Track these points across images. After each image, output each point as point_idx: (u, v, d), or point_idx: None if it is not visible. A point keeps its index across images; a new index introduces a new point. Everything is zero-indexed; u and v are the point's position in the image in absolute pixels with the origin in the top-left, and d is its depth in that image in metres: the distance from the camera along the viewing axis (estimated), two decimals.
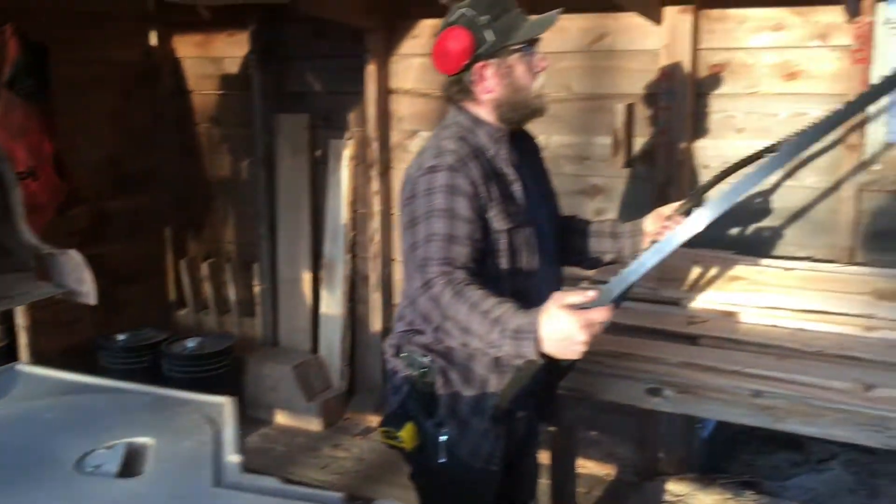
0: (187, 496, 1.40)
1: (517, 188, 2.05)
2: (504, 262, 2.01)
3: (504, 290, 1.81)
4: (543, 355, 1.67)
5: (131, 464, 1.53)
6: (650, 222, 2.35)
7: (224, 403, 1.75)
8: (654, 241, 2.00)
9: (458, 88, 2.05)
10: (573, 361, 2.35)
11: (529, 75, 2.02)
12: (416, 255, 1.89)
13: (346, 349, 4.33)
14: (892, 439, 2.35)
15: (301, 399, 4.21)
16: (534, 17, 2.02)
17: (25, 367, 2.01)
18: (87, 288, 2.87)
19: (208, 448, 1.56)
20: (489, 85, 2.00)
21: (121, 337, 4.30)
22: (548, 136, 3.72)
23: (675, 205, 2.33)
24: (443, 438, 2.07)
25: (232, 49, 4.43)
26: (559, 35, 3.61)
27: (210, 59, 4.52)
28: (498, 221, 1.97)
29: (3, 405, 1.79)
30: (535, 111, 2.07)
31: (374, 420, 4.22)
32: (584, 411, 3.40)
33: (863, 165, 3.10)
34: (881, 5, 2.99)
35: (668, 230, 2.20)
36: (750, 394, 2.55)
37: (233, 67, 4.46)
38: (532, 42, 2.03)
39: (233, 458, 1.53)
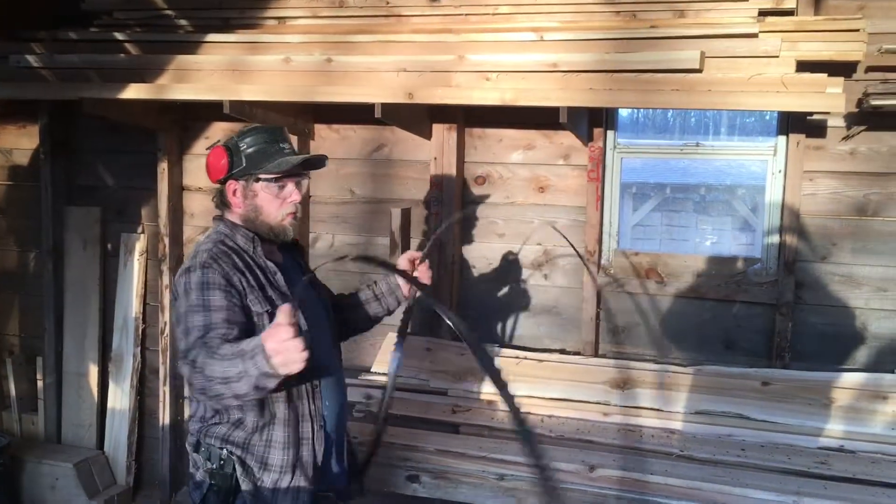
0: None
1: (279, 278, 2.26)
2: None
3: None
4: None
5: None
6: (402, 266, 2.53)
7: None
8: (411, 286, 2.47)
9: (219, 198, 2.31)
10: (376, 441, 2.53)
11: (274, 204, 2.25)
12: (181, 347, 2.09)
13: (133, 444, 4.27)
14: None
15: (82, 497, 4.09)
16: (295, 158, 2.23)
17: None
18: None
19: None
20: (237, 201, 2.26)
21: None
22: (333, 234, 3.96)
23: (417, 253, 2.53)
24: None
25: (21, 141, 4.40)
26: (343, 143, 3.90)
27: None
28: (255, 305, 2.18)
29: None
30: (278, 235, 2.28)
31: None
32: (372, 499, 3.55)
33: (600, 269, 3.54)
34: (609, 133, 3.49)
35: (416, 272, 2.49)
36: (495, 477, 2.84)
37: (22, 159, 4.42)
38: (287, 175, 2.24)
39: None
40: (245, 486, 2.19)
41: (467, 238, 3.75)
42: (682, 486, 2.65)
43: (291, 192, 2.26)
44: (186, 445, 2.31)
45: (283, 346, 1.84)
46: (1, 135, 4.45)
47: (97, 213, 4.32)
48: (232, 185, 2.26)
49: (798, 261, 3.30)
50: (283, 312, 1.84)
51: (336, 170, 3.93)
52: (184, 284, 2.16)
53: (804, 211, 3.30)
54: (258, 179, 2.22)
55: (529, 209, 3.66)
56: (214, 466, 2.20)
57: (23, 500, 4.19)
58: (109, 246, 4.35)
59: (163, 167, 4.08)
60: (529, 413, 3.34)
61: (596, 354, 3.55)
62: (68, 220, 4.35)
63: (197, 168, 4.14)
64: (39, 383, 4.44)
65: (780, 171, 3.32)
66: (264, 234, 2.27)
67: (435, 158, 3.68)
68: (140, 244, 4.25)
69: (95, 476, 4.18)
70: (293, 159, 2.24)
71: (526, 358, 3.53)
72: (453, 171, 3.66)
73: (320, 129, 3.93)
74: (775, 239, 3.34)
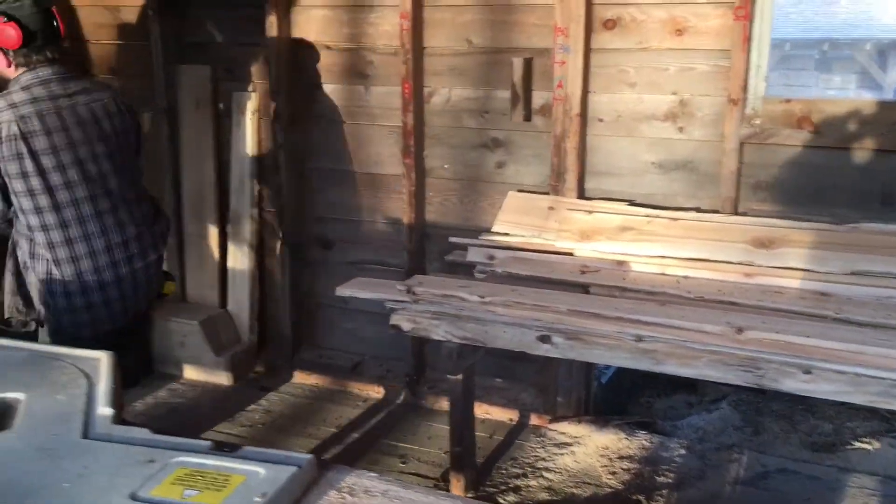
0: (54, 449, 1.42)
1: None
2: None
3: None
4: None
5: (2, 418, 1.54)
6: None
7: (100, 358, 1.76)
8: None
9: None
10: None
11: None
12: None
13: (254, 303, 4.33)
14: (760, 378, 2.51)
15: (209, 353, 4.21)
16: None
17: None
18: None
19: (80, 402, 1.58)
20: None
21: None
22: (450, 89, 3.75)
23: None
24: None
25: None
26: None
27: (106, 7, 4.37)
28: None
29: None
30: None
31: (282, 372, 4.26)
32: (490, 359, 3.51)
33: (744, 119, 3.23)
34: None
35: None
36: (632, 339, 2.69)
37: (130, 17, 4.33)
38: None
39: (104, 410, 1.55)
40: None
41: (594, 88, 3.48)
42: (842, 350, 2.44)
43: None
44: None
45: None
46: None
47: (208, 72, 4.22)
48: None
49: None
50: None
51: (452, 18, 3.67)
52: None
53: None
54: None
55: (665, 55, 3.34)
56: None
57: (153, 356, 4.35)
58: (221, 105, 4.27)
59: (272, 20, 3.91)
60: (663, 274, 3.16)
61: (736, 212, 3.30)
62: (180, 80, 4.28)
63: (306, 21, 3.96)
64: None
65: None
66: None
67: (560, 1, 3.37)
68: (252, 103, 4.15)
69: (220, 333, 4.28)
70: None
71: (658, 217, 3.32)
72: (581, 15, 3.35)
73: None
74: None
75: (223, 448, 1.43)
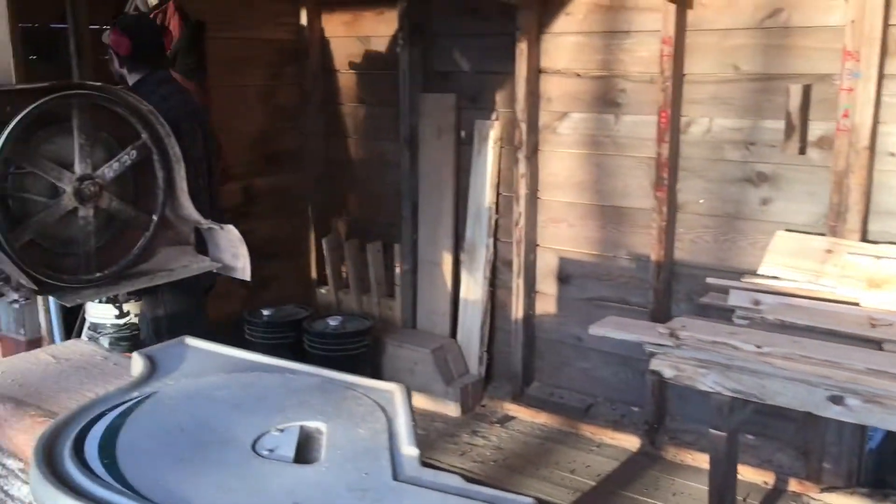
0: (368, 489, 1.32)
1: None
2: None
3: None
4: None
5: (305, 449, 1.47)
6: None
7: (394, 390, 1.68)
8: None
9: None
10: None
11: None
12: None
13: (485, 335, 4.24)
14: None
15: (439, 383, 4.15)
16: None
17: (193, 341, 2.00)
18: (242, 263, 2.85)
19: (383, 438, 1.49)
20: None
21: (266, 312, 4.34)
22: (710, 118, 3.50)
23: None
24: None
25: (380, 28, 4.39)
26: (729, 10, 3.38)
27: (358, 38, 4.50)
28: None
29: (175, 380, 1.77)
30: None
31: (511, 408, 4.12)
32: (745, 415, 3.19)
33: None
34: None
35: None
36: None
37: (380, 46, 4.42)
38: None
39: (409, 450, 1.44)
40: None
41: (885, 118, 3.09)
42: None
43: None
44: None
45: None
46: (360, 22, 4.48)
47: (452, 100, 4.22)
48: None
49: None
50: None
51: (718, 42, 3.42)
52: None
53: None
54: None
55: None
56: None
57: (383, 380, 4.35)
58: (462, 133, 4.24)
59: (521, 48, 3.84)
60: None
61: None
62: (423, 108, 4.30)
63: (556, 48, 3.86)
64: (396, 269, 4.54)
65: None
66: None
67: (852, 22, 3.03)
68: (494, 131, 4.09)
69: (450, 363, 4.22)
70: None
71: None
72: (877, 37, 2.99)
73: None
74: None
75: None
